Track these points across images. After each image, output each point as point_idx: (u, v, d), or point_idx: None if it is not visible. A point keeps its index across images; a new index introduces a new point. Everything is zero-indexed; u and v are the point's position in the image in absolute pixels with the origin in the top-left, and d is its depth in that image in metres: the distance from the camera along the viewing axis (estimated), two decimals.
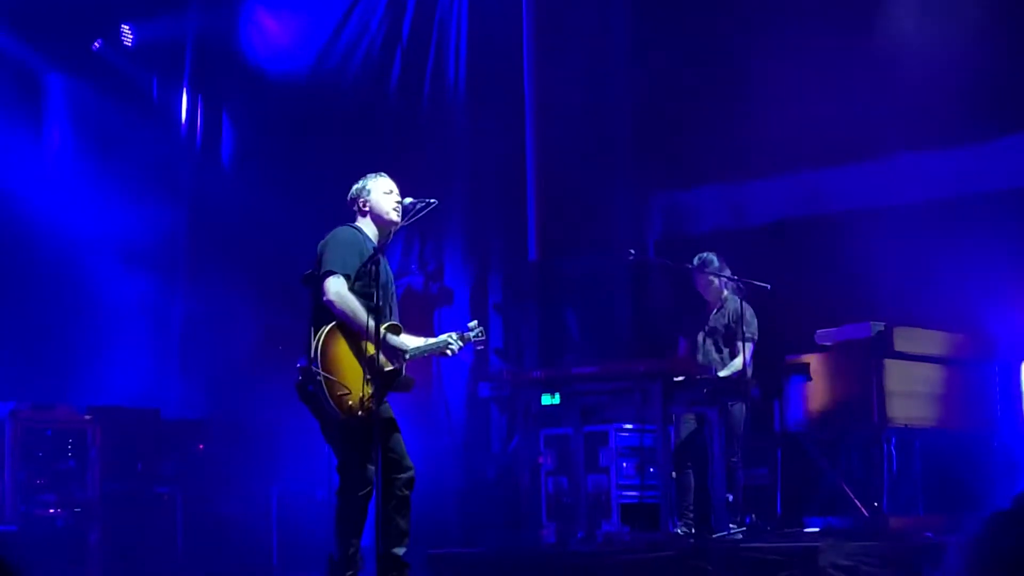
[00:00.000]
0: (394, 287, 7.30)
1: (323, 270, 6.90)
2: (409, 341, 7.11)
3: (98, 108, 12.38)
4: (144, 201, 12.34)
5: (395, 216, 7.13)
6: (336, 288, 6.84)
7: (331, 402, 6.69)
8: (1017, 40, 10.25)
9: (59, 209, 11.97)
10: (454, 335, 7.30)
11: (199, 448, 10.43)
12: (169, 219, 12.71)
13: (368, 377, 6.76)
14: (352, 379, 6.77)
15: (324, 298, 6.84)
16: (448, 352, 7.26)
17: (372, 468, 6.75)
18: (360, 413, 6.70)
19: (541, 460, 10.33)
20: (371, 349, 6.81)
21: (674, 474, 9.43)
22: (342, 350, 6.82)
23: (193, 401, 11.91)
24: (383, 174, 7.24)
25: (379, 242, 7.12)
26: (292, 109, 12.79)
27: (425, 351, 7.23)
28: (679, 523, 9.37)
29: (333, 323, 6.82)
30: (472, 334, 7.41)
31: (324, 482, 10.08)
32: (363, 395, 6.72)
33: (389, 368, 6.87)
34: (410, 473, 7.02)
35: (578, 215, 12.13)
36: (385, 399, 7.02)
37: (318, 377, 6.66)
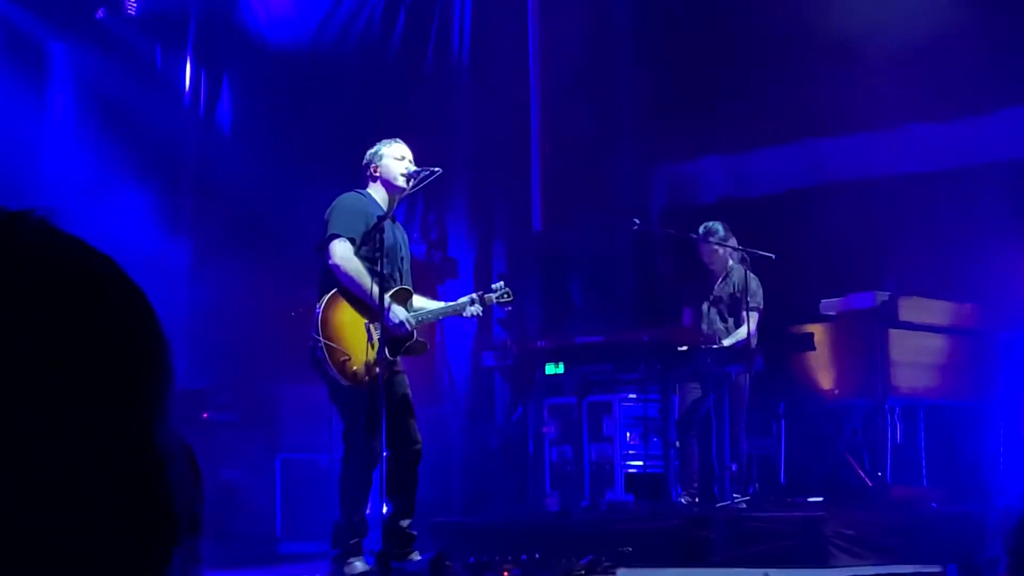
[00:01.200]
0: (407, 252, 7.31)
1: (327, 234, 6.93)
2: (423, 304, 7.17)
3: (102, 77, 12.35)
4: (148, 170, 12.32)
5: (403, 182, 7.13)
6: (341, 251, 6.89)
7: (334, 369, 6.76)
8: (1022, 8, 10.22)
9: (62, 177, 11.95)
10: (474, 296, 7.33)
11: (203, 417, 10.44)
12: (173, 188, 12.70)
13: (372, 342, 6.81)
14: (354, 345, 6.81)
15: (330, 261, 6.89)
16: (465, 314, 7.30)
17: (377, 437, 6.78)
18: (367, 378, 6.74)
19: (545, 430, 10.34)
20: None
21: (678, 443, 9.44)
22: (344, 316, 6.87)
23: (197, 370, 11.92)
24: (398, 140, 7.24)
25: (388, 208, 7.12)
26: (294, 77, 12.74)
27: (439, 314, 7.29)
28: (683, 492, 9.38)
29: (334, 290, 6.86)
30: (496, 295, 7.42)
31: (328, 451, 10.09)
32: (368, 360, 6.77)
33: (398, 333, 6.92)
34: (417, 447, 7.06)
35: (582, 185, 12.11)
36: (403, 371, 7.06)
37: (320, 344, 6.72)
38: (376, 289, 6.80)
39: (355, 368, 6.79)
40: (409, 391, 7.11)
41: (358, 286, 6.87)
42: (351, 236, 6.92)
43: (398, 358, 7.09)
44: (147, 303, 0.94)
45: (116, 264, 0.96)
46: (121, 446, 0.88)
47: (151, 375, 0.92)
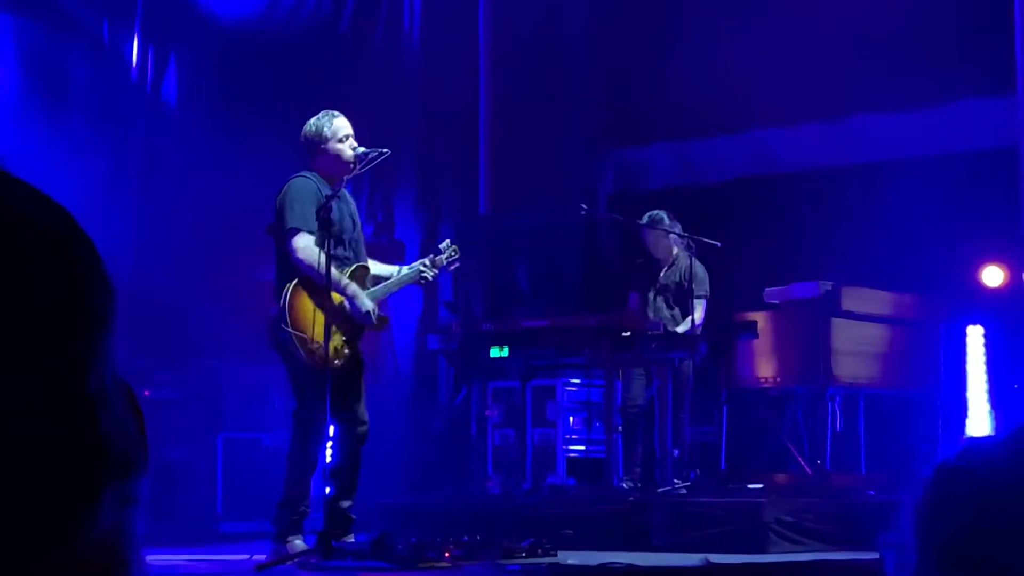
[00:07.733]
0: (358, 224, 7.32)
1: (288, 227, 6.90)
2: (380, 272, 7.23)
3: (48, 51, 12.23)
4: (93, 144, 12.22)
5: (351, 163, 7.10)
6: (303, 245, 6.87)
7: (303, 354, 6.78)
8: (969, 3, 10.29)
9: (5, 150, 11.84)
10: (426, 261, 7.34)
11: (145, 394, 10.38)
12: (118, 163, 12.59)
13: (334, 326, 6.87)
14: (321, 331, 6.84)
15: (293, 256, 6.86)
16: (422, 281, 7.33)
17: (328, 417, 6.86)
18: (337, 362, 6.83)
19: (488, 413, 10.35)
20: (337, 299, 6.91)
21: (620, 428, 9.48)
22: (308, 304, 6.90)
23: (139, 347, 11.85)
24: (338, 115, 7.19)
25: (333, 187, 7.10)
26: (243, 53, 12.66)
27: (396, 286, 7.31)
28: (624, 477, 9.42)
29: (296, 279, 6.87)
30: (445, 255, 7.44)
31: (271, 429, 10.06)
32: (336, 344, 6.83)
33: (363, 323, 7.01)
34: (363, 428, 7.09)
35: (530, 169, 12.12)
36: (360, 353, 7.12)
37: (287, 332, 6.78)
38: (335, 272, 6.85)
39: (325, 354, 6.85)
40: (363, 372, 7.15)
41: (321, 276, 6.85)
42: (310, 228, 6.89)
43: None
44: (93, 250, 0.97)
45: (66, 211, 0.98)
46: (50, 385, 0.89)
47: (88, 320, 0.93)
